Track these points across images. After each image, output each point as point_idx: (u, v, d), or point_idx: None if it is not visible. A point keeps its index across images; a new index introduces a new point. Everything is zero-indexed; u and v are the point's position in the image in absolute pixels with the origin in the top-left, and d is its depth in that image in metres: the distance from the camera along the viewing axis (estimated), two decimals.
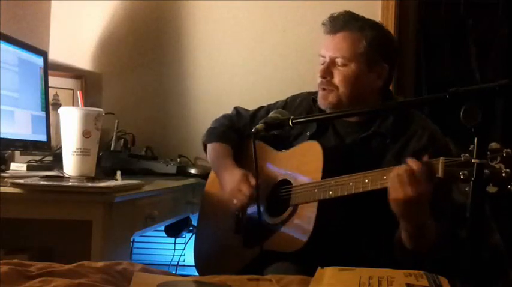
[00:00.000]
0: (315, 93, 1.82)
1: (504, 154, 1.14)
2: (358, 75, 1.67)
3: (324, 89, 1.70)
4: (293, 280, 1.19)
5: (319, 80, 1.71)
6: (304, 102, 1.85)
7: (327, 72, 1.69)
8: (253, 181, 1.71)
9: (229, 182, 1.79)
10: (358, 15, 1.73)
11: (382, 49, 1.69)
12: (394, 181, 1.37)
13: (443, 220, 1.52)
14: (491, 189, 1.15)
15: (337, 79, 1.68)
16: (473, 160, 1.07)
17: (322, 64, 1.71)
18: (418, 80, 2.98)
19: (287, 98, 1.92)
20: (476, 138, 1.06)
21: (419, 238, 1.45)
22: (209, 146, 1.96)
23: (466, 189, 1.19)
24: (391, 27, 2.56)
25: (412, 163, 1.35)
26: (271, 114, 1.57)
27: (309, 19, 2.67)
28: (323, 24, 1.72)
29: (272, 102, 1.95)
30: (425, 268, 1.11)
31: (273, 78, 2.71)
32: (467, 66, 2.99)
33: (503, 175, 1.14)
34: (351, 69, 1.66)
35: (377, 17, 2.55)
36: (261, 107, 1.96)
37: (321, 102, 1.72)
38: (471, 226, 1.04)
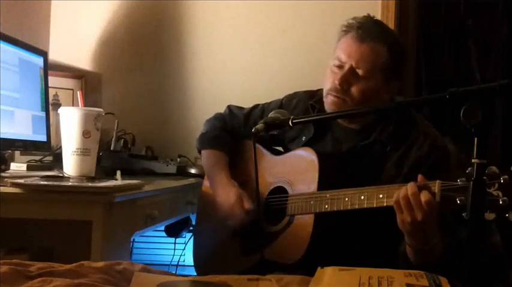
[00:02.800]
0: (312, 94, 1.78)
1: (502, 181, 1.14)
2: (375, 89, 1.61)
3: (335, 97, 1.63)
4: (293, 280, 1.19)
5: (331, 85, 1.63)
6: (300, 104, 1.80)
7: (345, 81, 1.61)
8: (247, 205, 1.69)
9: (224, 202, 1.76)
10: (386, 25, 1.68)
11: (399, 67, 1.65)
12: (401, 203, 1.34)
13: (448, 234, 1.51)
14: (489, 216, 1.14)
15: (355, 90, 1.60)
16: (473, 160, 1.07)
17: (337, 67, 1.63)
18: (418, 80, 2.98)
19: (282, 98, 1.88)
20: (476, 139, 1.06)
21: (425, 254, 1.42)
22: (203, 152, 1.92)
23: (463, 215, 1.18)
24: (391, 27, 2.56)
25: (415, 186, 1.33)
26: (271, 114, 1.55)
27: (310, 19, 2.67)
28: (349, 26, 1.64)
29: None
30: (426, 268, 1.11)
31: (274, 79, 2.71)
32: (467, 66, 2.99)
33: (501, 202, 1.13)
34: (371, 83, 1.60)
35: (377, 17, 2.54)
36: (256, 106, 1.92)
37: (331, 108, 1.64)
38: (471, 226, 1.04)
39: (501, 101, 2.82)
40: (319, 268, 1.16)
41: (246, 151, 1.87)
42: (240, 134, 1.90)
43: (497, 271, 1.79)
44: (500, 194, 1.14)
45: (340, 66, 1.63)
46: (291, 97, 1.87)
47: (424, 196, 1.30)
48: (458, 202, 1.21)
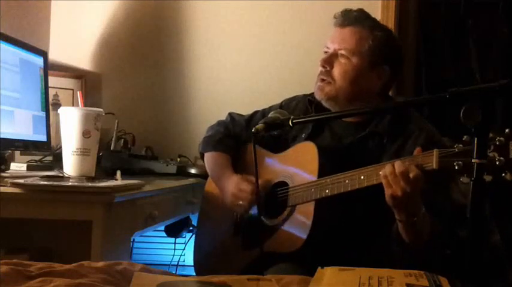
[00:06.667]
0: (311, 94, 1.81)
1: (497, 142, 1.15)
2: (358, 71, 1.66)
3: (322, 80, 1.70)
4: (293, 280, 1.18)
5: (319, 69, 1.71)
6: (300, 105, 1.84)
7: (328, 62, 1.69)
8: (252, 179, 1.70)
9: (229, 187, 1.78)
10: (370, 15, 1.74)
11: (386, 52, 1.69)
12: (388, 178, 1.39)
13: (440, 218, 1.52)
14: (486, 178, 1.15)
15: (336, 71, 1.68)
16: (473, 160, 1.07)
17: (324, 54, 1.71)
18: (418, 80, 2.97)
19: (282, 102, 1.91)
20: (476, 139, 1.06)
21: (413, 227, 1.46)
22: (206, 155, 1.94)
23: (461, 179, 1.20)
24: (391, 27, 2.56)
25: (403, 163, 1.37)
26: (271, 114, 1.56)
27: (310, 20, 2.67)
28: (334, 17, 1.73)
29: (272, 103, 1.95)
30: (425, 268, 1.11)
31: (273, 79, 2.71)
32: (467, 66, 2.98)
33: (497, 163, 1.14)
34: (352, 63, 1.66)
35: (377, 17, 2.53)
36: (256, 112, 1.95)
37: (317, 93, 1.72)
38: (471, 226, 1.04)
39: (501, 101, 2.82)
40: (319, 268, 1.16)
41: (248, 154, 1.89)
42: (241, 139, 1.92)
43: (497, 271, 1.80)
44: (496, 155, 1.14)
45: (327, 53, 1.71)
46: (290, 100, 1.91)
47: (412, 172, 1.35)
48: (456, 167, 1.23)
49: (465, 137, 1.21)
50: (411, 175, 1.35)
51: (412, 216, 1.44)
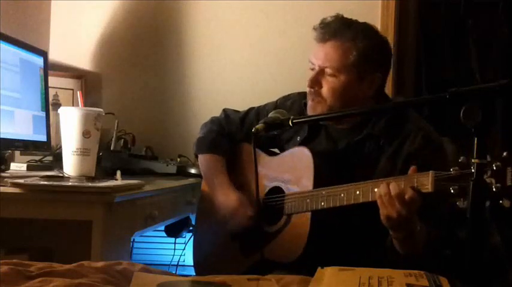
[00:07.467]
0: (305, 95, 1.77)
1: (494, 167, 1.14)
2: (348, 86, 1.61)
3: (311, 100, 1.65)
4: (293, 280, 1.19)
5: (307, 89, 1.66)
6: (295, 105, 1.81)
7: (315, 83, 1.63)
8: (249, 212, 1.70)
9: (224, 205, 1.77)
10: (351, 20, 1.66)
11: (374, 59, 1.62)
12: (383, 199, 1.37)
13: (440, 219, 1.52)
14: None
15: (325, 90, 1.62)
16: (473, 161, 1.07)
17: (312, 70, 1.65)
18: (418, 80, 2.97)
19: (277, 100, 1.88)
20: (476, 139, 1.06)
21: (409, 242, 1.45)
22: (200, 157, 1.92)
23: (457, 203, 1.19)
24: (391, 27, 2.56)
25: (398, 184, 1.36)
26: (271, 114, 1.55)
27: (309, 20, 2.62)
28: (314, 29, 1.66)
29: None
30: (425, 268, 1.11)
31: (273, 79, 2.71)
32: (467, 66, 2.98)
33: (494, 189, 1.13)
34: (340, 80, 1.60)
35: (377, 17, 2.55)
36: (251, 109, 1.92)
37: (310, 112, 1.67)
38: (471, 226, 1.04)
39: (501, 101, 2.82)
40: (319, 268, 1.16)
41: (242, 153, 1.87)
42: (236, 137, 1.90)
43: (497, 271, 1.79)
44: (493, 181, 1.13)
45: (313, 69, 1.65)
46: (285, 99, 1.87)
47: (407, 194, 1.33)
48: (452, 191, 1.22)
49: (461, 158, 1.18)
50: (406, 197, 1.33)
51: (408, 234, 1.42)
